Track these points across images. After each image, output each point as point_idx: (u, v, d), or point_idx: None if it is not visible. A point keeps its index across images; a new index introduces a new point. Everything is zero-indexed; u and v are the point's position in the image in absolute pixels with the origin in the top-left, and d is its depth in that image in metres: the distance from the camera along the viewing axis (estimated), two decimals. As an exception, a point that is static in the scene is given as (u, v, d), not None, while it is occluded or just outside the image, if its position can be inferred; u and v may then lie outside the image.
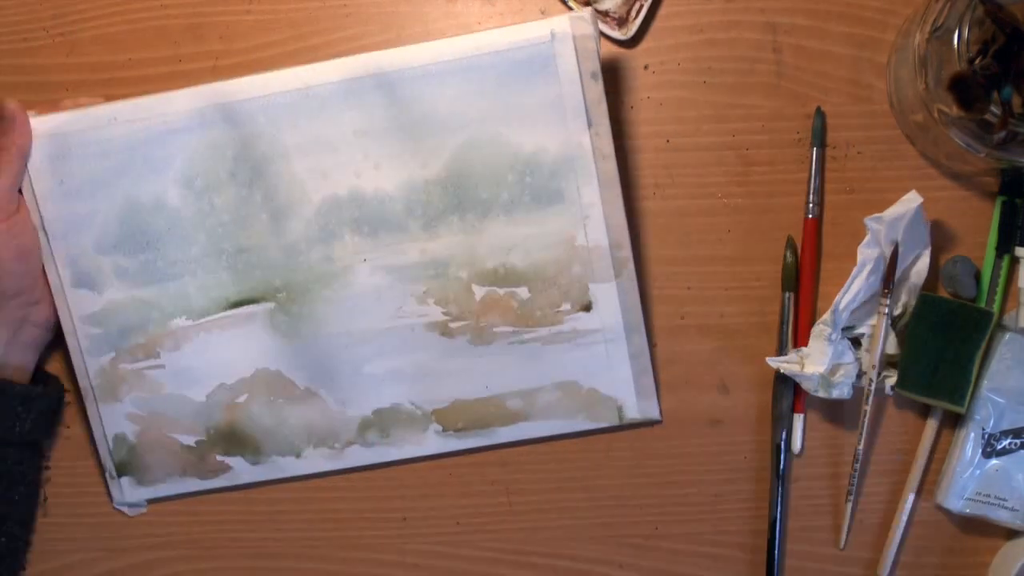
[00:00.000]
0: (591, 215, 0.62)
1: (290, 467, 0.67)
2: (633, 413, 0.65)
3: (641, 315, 0.63)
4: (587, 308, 0.63)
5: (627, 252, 0.62)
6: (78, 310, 0.64)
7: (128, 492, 0.67)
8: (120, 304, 0.64)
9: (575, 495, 0.67)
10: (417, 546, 0.68)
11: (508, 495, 0.68)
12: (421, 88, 0.60)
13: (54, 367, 0.68)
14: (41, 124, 0.62)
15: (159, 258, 0.64)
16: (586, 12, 0.59)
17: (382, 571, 0.69)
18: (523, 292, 0.63)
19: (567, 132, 0.60)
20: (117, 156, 0.62)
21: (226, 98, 0.61)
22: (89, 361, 0.65)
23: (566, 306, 0.63)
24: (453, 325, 0.64)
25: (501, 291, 0.63)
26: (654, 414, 0.65)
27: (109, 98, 0.62)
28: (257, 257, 0.64)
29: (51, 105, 0.63)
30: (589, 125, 0.60)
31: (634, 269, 0.63)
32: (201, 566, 0.69)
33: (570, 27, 0.59)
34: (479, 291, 0.63)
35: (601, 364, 0.64)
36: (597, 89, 0.60)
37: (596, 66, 0.59)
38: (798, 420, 0.66)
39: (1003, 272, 0.63)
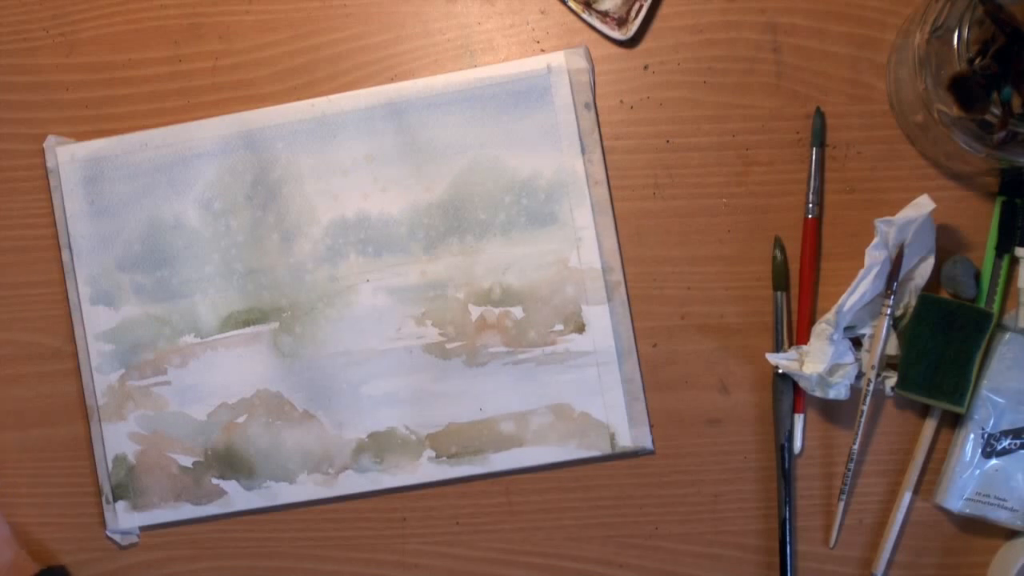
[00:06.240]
0: (584, 237, 0.65)
1: (283, 494, 0.68)
2: (625, 441, 0.65)
3: (633, 342, 0.65)
4: (580, 329, 0.65)
5: (619, 276, 0.65)
6: (93, 327, 0.68)
7: (122, 518, 0.68)
8: (134, 320, 0.68)
9: (575, 495, 0.67)
10: (417, 546, 0.69)
11: (508, 495, 0.68)
12: (428, 115, 0.65)
13: (60, 386, 0.69)
14: (81, 149, 0.67)
15: (174, 275, 0.67)
16: (580, 49, 0.65)
17: (382, 571, 0.69)
18: (518, 311, 0.66)
19: (562, 157, 0.65)
20: (144, 178, 0.67)
21: (249, 126, 0.66)
22: (98, 379, 0.68)
23: (559, 326, 0.65)
24: (449, 346, 0.66)
25: (496, 311, 0.66)
26: (646, 443, 0.66)
27: (109, 99, 0.62)
28: (266, 278, 0.67)
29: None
30: (583, 152, 0.65)
31: (626, 295, 0.65)
32: (201, 566, 0.69)
33: (565, 61, 0.64)
34: (475, 311, 0.66)
35: (593, 387, 0.65)
36: (590, 118, 0.65)
37: (590, 97, 0.65)
38: (798, 420, 0.66)
39: (1003, 272, 0.63)
